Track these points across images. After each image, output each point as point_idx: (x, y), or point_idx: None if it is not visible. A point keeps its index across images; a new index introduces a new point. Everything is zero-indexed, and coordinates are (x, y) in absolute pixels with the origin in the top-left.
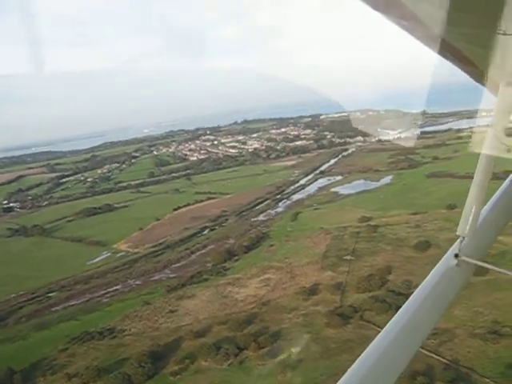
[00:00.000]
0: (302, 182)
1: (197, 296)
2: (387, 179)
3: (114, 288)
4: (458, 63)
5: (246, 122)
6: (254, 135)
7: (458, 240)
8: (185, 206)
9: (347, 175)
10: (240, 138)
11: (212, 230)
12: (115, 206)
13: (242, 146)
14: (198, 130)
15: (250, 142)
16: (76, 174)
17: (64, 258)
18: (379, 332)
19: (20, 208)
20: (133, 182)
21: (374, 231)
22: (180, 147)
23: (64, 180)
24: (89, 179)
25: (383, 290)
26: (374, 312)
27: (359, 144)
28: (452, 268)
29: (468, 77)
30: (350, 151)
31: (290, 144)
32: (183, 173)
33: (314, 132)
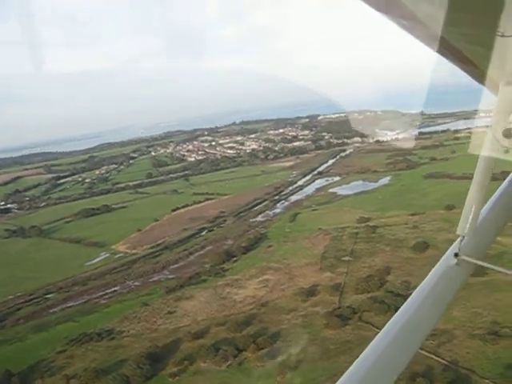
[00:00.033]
0: (300, 182)
1: (195, 297)
2: (385, 180)
3: (113, 289)
4: (457, 63)
5: (243, 122)
6: (252, 136)
7: (458, 239)
8: (183, 206)
9: (345, 176)
10: (238, 138)
11: (210, 230)
12: (113, 206)
13: (240, 147)
14: (195, 130)
15: (247, 143)
16: (74, 174)
17: (62, 259)
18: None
19: (17, 209)
20: (131, 183)
21: (372, 232)
22: (178, 148)
23: (62, 181)
24: (87, 180)
25: (382, 290)
26: (372, 313)
27: (357, 145)
28: (452, 267)
29: (467, 77)
30: (347, 152)
31: (288, 145)
32: (181, 174)
33: (312, 133)
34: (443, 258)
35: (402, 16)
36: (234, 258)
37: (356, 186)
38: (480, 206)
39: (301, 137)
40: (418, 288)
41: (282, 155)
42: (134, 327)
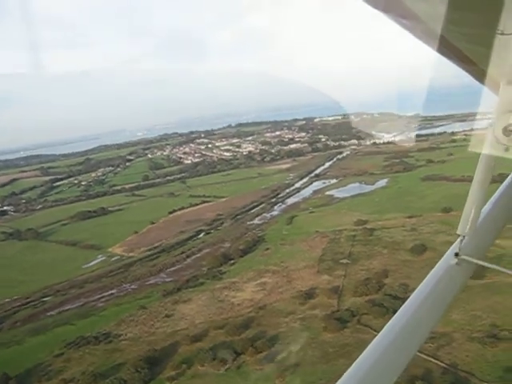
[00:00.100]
0: (297, 185)
1: (193, 300)
2: (382, 182)
3: (110, 292)
4: (458, 62)
5: (240, 125)
6: (249, 138)
7: (459, 239)
8: (180, 209)
9: (342, 178)
10: (234, 141)
11: (207, 233)
12: (110, 209)
13: (237, 149)
14: (192, 133)
15: (244, 145)
16: (70, 177)
17: (58, 261)
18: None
19: (14, 211)
20: (127, 186)
21: (370, 234)
22: (174, 150)
23: (58, 183)
24: (83, 182)
25: (380, 293)
26: (371, 316)
27: (354, 147)
28: (452, 267)
29: (467, 77)
30: (344, 154)
31: (285, 147)
32: (178, 176)
33: (309, 135)
34: (443, 257)
35: (402, 15)
36: (232, 261)
37: (353, 188)
38: (480, 206)
39: (297, 139)
40: (419, 288)
41: (278, 157)
42: (132, 330)
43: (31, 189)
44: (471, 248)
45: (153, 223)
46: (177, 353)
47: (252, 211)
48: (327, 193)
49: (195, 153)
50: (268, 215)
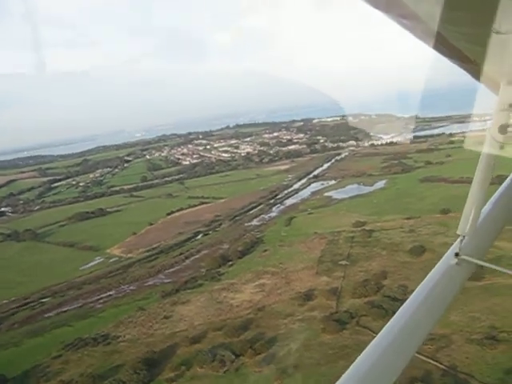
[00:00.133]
0: (296, 186)
1: (191, 302)
2: (381, 184)
3: (108, 294)
4: (458, 62)
5: (238, 126)
6: (247, 139)
7: (459, 239)
8: (178, 210)
9: (341, 180)
10: (232, 142)
11: (206, 234)
12: (108, 210)
13: (235, 151)
14: (190, 134)
15: (242, 147)
16: (68, 178)
17: (56, 263)
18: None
19: (11, 212)
20: (125, 187)
21: (368, 236)
22: (172, 151)
23: (56, 184)
24: (81, 184)
25: (379, 295)
26: (370, 317)
27: (352, 148)
28: (452, 267)
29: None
30: (342, 155)
31: (283, 148)
32: (176, 177)
33: (307, 136)
34: (444, 257)
35: (402, 15)
36: (230, 262)
37: (351, 189)
38: (481, 206)
39: (296, 140)
40: (419, 288)
41: (276, 159)
42: (130, 332)
43: (29, 190)
44: (471, 248)
45: (151, 224)
46: (175, 354)
47: (250, 212)
48: (326, 194)
49: (193, 154)
50: (266, 216)
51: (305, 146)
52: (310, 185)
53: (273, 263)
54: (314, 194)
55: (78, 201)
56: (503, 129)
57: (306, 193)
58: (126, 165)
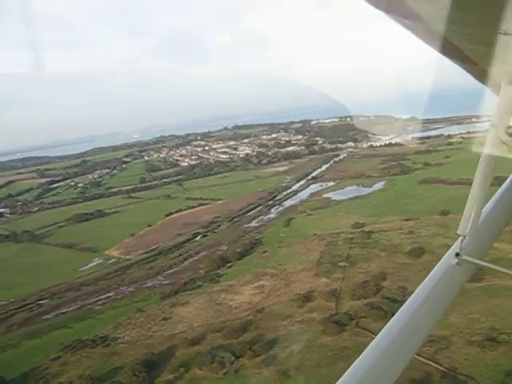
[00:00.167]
0: (294, 187)
1: (190, 303)
2: (380, 185)
3: (107, 295)
4: (460, 63)
5: (236, 127)
6: (245, 141)
7: (459, 239)
8: (177, 211)
9: (339, 181)
10: (231, 143)
11: (204, 236)
12: (106, 211)
13: (233, 152)
14: (188, 135)
15: (241, 148)
16: (66, 179)
17: (55, 264)
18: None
19: (10, 213)
20: (124, 188)
21: (367, 237)
22: (171, 153)
23: (54, 185)
24: (79, 185)
25: (378, 296)
26: (370, 319)
27: (350, 150)
28: (453, 267)
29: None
30: (341, 157)
31: (282, 150)
32: (174, 178)
33: (305, 138)
34: (444, 257)
35: (404, 15)
36: (229, 264)
37: (350, 191)
38: (481, 206)
39: (294, 142)
40: (419, 288)
41: (275, 160)
42: (129, 334)
43: (27, 191)
44: (472, 248)
45: (150, 225)
46: (174, 356)
47: (249, 214)
48: (324, 195)
49: (192, 155)
50: (265, 218)
51: (303, 148)
52: (308, 186)
53: (272, 264)
54: (312, 195)
55: (76, 202)
56: (504, 128)
57: (304, 194)
58: (124, 166)
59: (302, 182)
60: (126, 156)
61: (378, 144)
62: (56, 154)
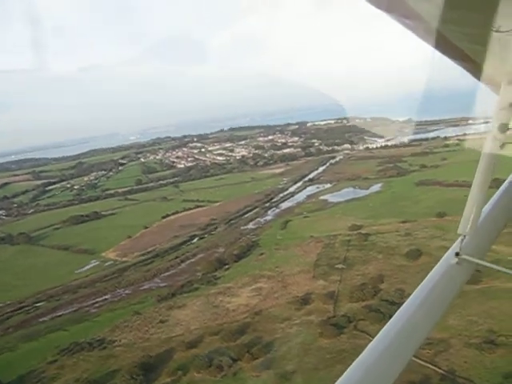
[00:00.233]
0: (291, 189)
1: (188, 306)
2: (376, 187)
3: (103, 298)
4: (460, 62)
5: (233, 129)
6: (242, 142)
7: (459, 238)
8: (173, 213)
9: (336, 183)
10: (227, 145)
11: (201, 238)
12: (103, 213)
13: (230, 154)
14: (185, 137)
15: (237, 150)
16: (62, 181)
17: (51, 266)
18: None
19: (5, 215)
20: (120, 190)
21: (364, 239)
22: (167, 154)
23: (50, 187)
24: (75, 187)
25: (376, 299)
26: (368, 321)
27: (347, 152)
28: (453, 266)
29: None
30: (337, 159)
31: (278, 151)
32: (171, 180)
33: (302, 139)
34: (444, 257)
35: (404, 15)
36: (226, 266)
37: (347, 193)
38: (481, 205)
39: (290, 143)
40: (419, 287)
41: (271, 162)
42: (126, 336)
43: (23, 193)
44: (472, 248)
45: (146, 228)
46: (172, 359)
47: (246, 216)
48: (321, 197)
49: (188, 157)
50: (262, 220)
51: (299, 150)
52: (305, 188)
53: (269, 267)
54: (309, 197)
55: (72, 204)
56: (504, 128)
57: (301, 196)
58: (120, 168)
59: (298, 184)
60: (123, 158)
61: (375, 146)
62: (52, 156)
